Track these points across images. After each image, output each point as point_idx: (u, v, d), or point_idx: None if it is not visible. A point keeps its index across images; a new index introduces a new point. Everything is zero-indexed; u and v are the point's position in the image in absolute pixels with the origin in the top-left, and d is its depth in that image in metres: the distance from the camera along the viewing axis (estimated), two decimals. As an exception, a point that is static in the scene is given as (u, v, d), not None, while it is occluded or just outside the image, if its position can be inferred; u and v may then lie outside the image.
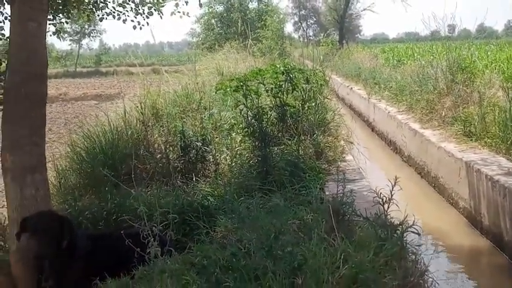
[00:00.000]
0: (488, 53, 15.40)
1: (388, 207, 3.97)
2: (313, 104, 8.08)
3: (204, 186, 6.28)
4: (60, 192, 6.53)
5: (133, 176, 5.27)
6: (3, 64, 6.13)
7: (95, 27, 60.99)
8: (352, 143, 7.91)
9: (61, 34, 8.02)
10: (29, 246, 4.56)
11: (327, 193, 5.52)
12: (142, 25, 7.89)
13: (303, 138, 7.04)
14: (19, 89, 4.77)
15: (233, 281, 3.02)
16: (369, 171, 7.61)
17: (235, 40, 21.61)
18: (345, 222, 4.13)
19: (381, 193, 3.94)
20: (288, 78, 7.49)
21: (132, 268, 4.26)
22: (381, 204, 3.94)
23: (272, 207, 4.27)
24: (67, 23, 8.60)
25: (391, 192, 3.93)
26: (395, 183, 3.92)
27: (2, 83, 5.81)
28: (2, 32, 6.58)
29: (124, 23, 7.75)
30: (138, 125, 7.79)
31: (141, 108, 7.94)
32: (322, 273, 3.26)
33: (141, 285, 3.62)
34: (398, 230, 3.87)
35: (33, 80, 4.83)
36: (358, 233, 3.94)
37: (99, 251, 4.79)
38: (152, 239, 3.34)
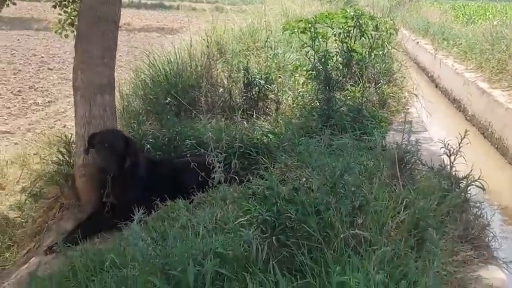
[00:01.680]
0: None
1: (455, 160, 3.90)
2: (381, 52, 7.91)
3: (264, 123, 6.30)
4: (123, 117, 6.67)
5: (202, 104, 5.29)
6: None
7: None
8: (416, 95, 7.74)
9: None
10: (95, 161, 4.72)
11: (388, 142, 5.45)
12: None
13: (367, 85, 6.92)
14: (94, 11, 4.85)
15: (295, 212, 3.04)
16: (431, 125, 7.45)
17: (302, -17, 21.15)
18: (408, 170, 4.09)
19: (448, 144, 3.87)
20: (358, 24, 7.33)
21: (191, 194, 4.37)
22: (447, 155, 3.88)
23: (339, 145, 4.25)
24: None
25: (459, 144, 3.85)
26: (464, 136, 3.84)
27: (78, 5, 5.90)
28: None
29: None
30: (202, 58, 7.82)
31: (207, 41, 7.94)
32: (383, 216, 3.26)
33: (201, 209, 3.70)
34: (463, 182, 3.81)
35: (108, 3, 4.91)
36: (421, 182, 3.89)
37: (160, 175, 4.92)
38: (217, 165, 3.37)
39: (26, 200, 5.63)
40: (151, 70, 7.52)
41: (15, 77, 13.57)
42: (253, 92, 6.91)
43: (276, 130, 5.87)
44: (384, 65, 7.78)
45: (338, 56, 7.40)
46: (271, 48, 8.32)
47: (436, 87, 14.01)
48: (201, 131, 5.82)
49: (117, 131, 5.02)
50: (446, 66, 13.09)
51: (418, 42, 18.31)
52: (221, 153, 3.41)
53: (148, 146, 5.53)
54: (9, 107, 11.29)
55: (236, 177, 3.78)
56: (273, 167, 4.72)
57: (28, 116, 10.94)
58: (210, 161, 3.41)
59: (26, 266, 4.57)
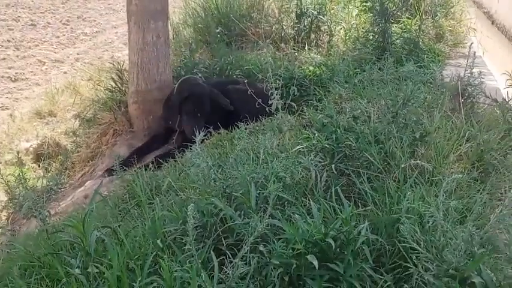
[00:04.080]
0: None
1: (520, 93, 3.75)
2: (439, -17, 7.57)
3: (316, 55, 6.17)
4: (174, 45, 6.63)
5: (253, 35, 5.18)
6: None
7: None
8: (475, 29, 7.42)
9: None
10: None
11: (446, 75, 5.28)
12: None
13: (424, 18, 6.66)
14: None
15: (354, 141, 2.99)
16: (488, 61, 7.18)
17: None
18: (469, 103, 3.95)
19: (515, 76, 3.72)
20: (416, -48, 7.00)
21: (244, 122, 4.33)
22: (513, 87, 3.73)
23: (403, 73, 4.12)
24: None
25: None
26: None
27: None
28: None
29: None
30: (253, -12, 7.65)
31: (258, -30, 7.73)
32: (445, 148, 3.18)
33: (256, 137, 3.66)
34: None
35: None
36: (484, 116, 3.76)
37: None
38: (275, 92, 3.30)
39: (79, 125, 5.71)
40: (202, -2, 7.42)
41: (64, 6, 13.59)
42: (305, 23, 6.72)
43: (328, 62, 5.74)
44: (442, -3, 7.45)
45: (395, -13, 7.12)
46: (324, -22, 8.04)
47: (493, 23, 13.44)
48: (253, 61, 5.75)
49: (204, 92, 4.86)
50: (504, 0, 12.51)
51: (474, -23, 17.51)
52: (279, 80, 3.33)
53: (200, 75, 5.49)
54: (58, 36, 11.37)
55: (294, 104, 3.71)
56: (326, 98, 4.64)
57: (76, 46, 11.02)
58: (268, 88, 3.33)
59: (81, 189, 4.68)
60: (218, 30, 6.26)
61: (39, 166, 5.70)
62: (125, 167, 4.09)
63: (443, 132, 3.34)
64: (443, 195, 2.11)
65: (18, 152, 5.76)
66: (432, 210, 2.08)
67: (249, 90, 3.81)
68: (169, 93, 4.93)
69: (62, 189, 4.96)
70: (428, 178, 2.83)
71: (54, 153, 5.83)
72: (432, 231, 2.11)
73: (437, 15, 7.01)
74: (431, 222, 2.11)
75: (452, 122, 3.57)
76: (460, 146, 3.26)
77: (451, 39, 6.75)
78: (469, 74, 4.04)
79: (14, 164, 5.70)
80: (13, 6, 12.99)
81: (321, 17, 6.73)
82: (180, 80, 4.80)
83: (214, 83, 5.16)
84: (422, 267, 2.07)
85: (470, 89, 3.99)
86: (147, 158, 4.68)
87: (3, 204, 4.92)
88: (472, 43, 4.79)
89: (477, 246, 2.00)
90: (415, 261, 2.09)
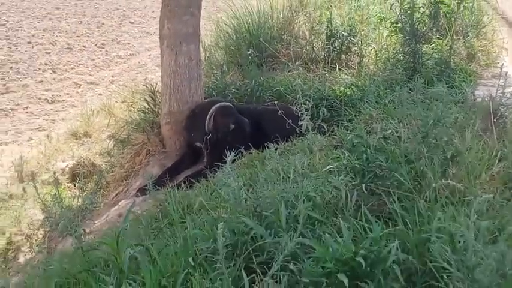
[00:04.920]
0: None
1: (554, 113, 3.71)
2: (470, 4, 7.54)
3: (347, 76, 6.20)
4: (206, 67, 6.75)
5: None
6: None
7: None
8: (507, 49, 7.36)
9: None
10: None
11: (478, 96, 5.25)
12: None
13: (455, 38, 6.64)
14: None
15: (385, 161, 2.99)
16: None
17: None
18: (502, 123, 3.92)
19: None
20: (446, -26, 7.00)
21: (274, 143, 4.36)
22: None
23: (432, 94, 4.12)
24: None
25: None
26: None
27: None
28: None
29: None
30: (284, 11, 7.73)
31: (289, -8, 7.85)
32: (477, 168, 3.16)
33: (286, 157, 3.69)
34: None
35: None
36: (517, 135, 3.73)
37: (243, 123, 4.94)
38: (305, 113, 3.34)
39: (114, 146, 5.83)
40: (233, 21, 7.52)
41: (99, 30, 13.94)
42: (336, 45, 6.78)
43: (359, 83, 5.77)
44: (473, 18, 7.42)
45: (424, 8, 7.12)
46: (354, -1, 8.12)
47: (526, 43, 13.33)
48: (284, 82, 5.82)
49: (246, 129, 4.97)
50: (538, 20, 12.38)
51: (507, -4, 17.35)
52: (309, 101, 3.36)
53: (231, 96, 5.57)
54: (93, 59, 11.65)
55: (324, 125, 3.73)
56: (357, 119, 4.67)
57: (111, 68, 11.27)
58: (298, 109, 3.37)
59: (115, 207, 4.76)
60: (249, 52, 6.36)
61: (74, 186, 5.82)
62: (157, 187, 4.16)
63: (474, 152, 3.32)
64: (474, 215, 2.11)
65: (54, 172, 5.91)
66: (463, 229, 2.07)
67: (279, 111, 3.85)
68: (195, 107, 5.02)
69: (97, 208, 5.07)
70: (459, 198, 2.82)
71: (89, 173, 5.95)
72: (463, 251, 2.11)
73: (468, 36, 7.00)
74: (462, 242, 2.11)
75: (484, 142, 3.54)
76: (492, 166, 3.24)
77: (483, 59, 6.71)
78: (501, 94, 4.02)
79: (50, 183, 5.83)
80: (50, 31, 13.37)
81: (351, 38, 6.79)
82: (216, 108, 4.83)
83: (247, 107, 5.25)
84: (453, 287, 2.06)
85: (502, 109, 3.97)
86: (179, 177, 4.76)
87: (40, 223, 5.03)
88: (503, 63, 4.76)
89: (509, 266, 1.98)
90: (447, 281, 2.09)
